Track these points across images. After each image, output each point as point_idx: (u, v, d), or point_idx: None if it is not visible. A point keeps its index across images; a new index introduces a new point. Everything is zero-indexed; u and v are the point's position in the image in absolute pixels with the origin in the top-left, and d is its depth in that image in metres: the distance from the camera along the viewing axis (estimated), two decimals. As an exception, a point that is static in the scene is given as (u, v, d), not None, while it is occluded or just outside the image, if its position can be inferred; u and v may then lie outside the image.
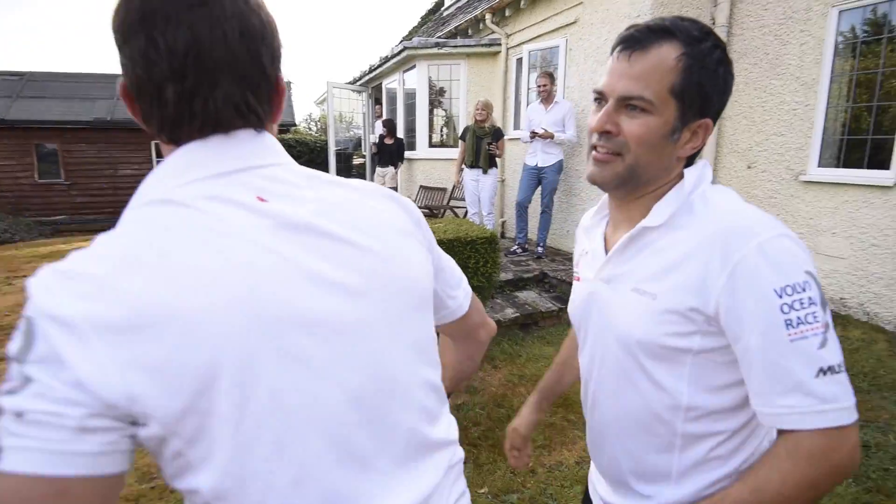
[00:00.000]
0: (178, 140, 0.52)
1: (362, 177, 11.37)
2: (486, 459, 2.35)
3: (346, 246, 0.54)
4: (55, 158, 12.28)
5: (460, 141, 6.05)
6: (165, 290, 0.43)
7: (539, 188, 5.45)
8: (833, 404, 0.63)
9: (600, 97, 0.77)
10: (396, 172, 7.72)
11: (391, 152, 7.61)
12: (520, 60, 6.66)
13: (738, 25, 4.59)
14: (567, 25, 5.65)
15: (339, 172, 9.82)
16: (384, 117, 8.81)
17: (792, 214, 4.31)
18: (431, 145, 8.12)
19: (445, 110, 8.17)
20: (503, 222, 7.27)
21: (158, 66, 0.48)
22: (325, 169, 10.71)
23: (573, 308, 0.94)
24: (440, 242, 0.72)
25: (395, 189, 7.74)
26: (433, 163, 8.00)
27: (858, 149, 3.96)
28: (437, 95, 7.91)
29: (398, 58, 7.80)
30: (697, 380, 0.74)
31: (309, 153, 11.57)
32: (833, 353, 0.65)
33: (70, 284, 0.42)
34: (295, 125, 13.64)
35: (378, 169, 7.78)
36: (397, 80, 8.51)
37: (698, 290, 0.69)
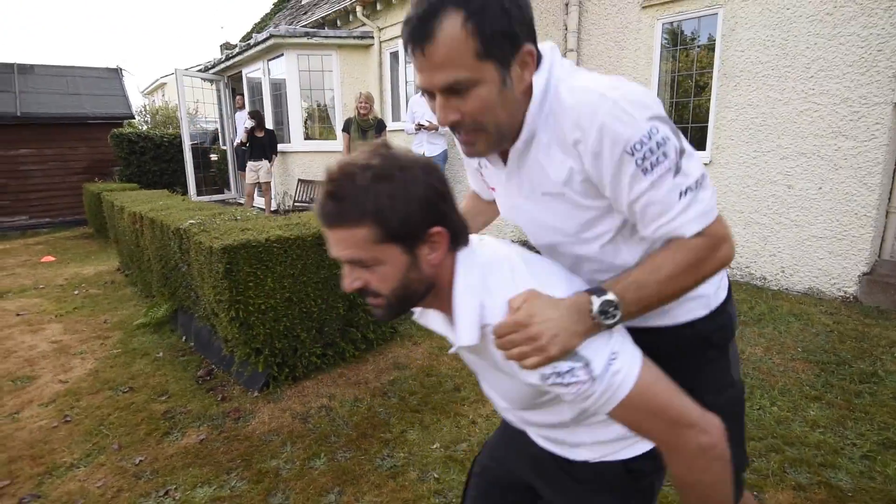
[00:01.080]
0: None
1: (223, 172, 10.53)
2: (430, 420, 2.58)
3: None
4: None
5: (343, 133, 6.07)
6: None
7: (426, 176, 5.75)
8: (693, 212, 0.75)
9: (426, 92, 0.79)
10: (271, 166, 7.39)
11: (263, 145, 7.26)
12: (394, 54, 6.86)
13: (585, 31, 5.36)
14: (439, 22, 5.99)
15: (197, 168, 9.05)
16: (247, 108, 8.32)
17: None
18: (308, 138, 7.93)
19: (316, 101, 8.01)
20: (387, 212, 7.44)
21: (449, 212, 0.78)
22: (181, 165, 9.70)
23: (504, 213, 1.03)
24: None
25: (269, 183, 7.42)
26: (311, 156, 7.84)
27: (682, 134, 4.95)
28: (308, 87, 7.73)
29: (262, 45, 7.45)
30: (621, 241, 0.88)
31: (154, 149, 10.30)
32: (687, 175, 0.75)
33: None
34: (133, 117, 12.04)
35: (250, 163, 7.35)
36: (261, 70, 8.10)
37: (579, 172, 0.81)
